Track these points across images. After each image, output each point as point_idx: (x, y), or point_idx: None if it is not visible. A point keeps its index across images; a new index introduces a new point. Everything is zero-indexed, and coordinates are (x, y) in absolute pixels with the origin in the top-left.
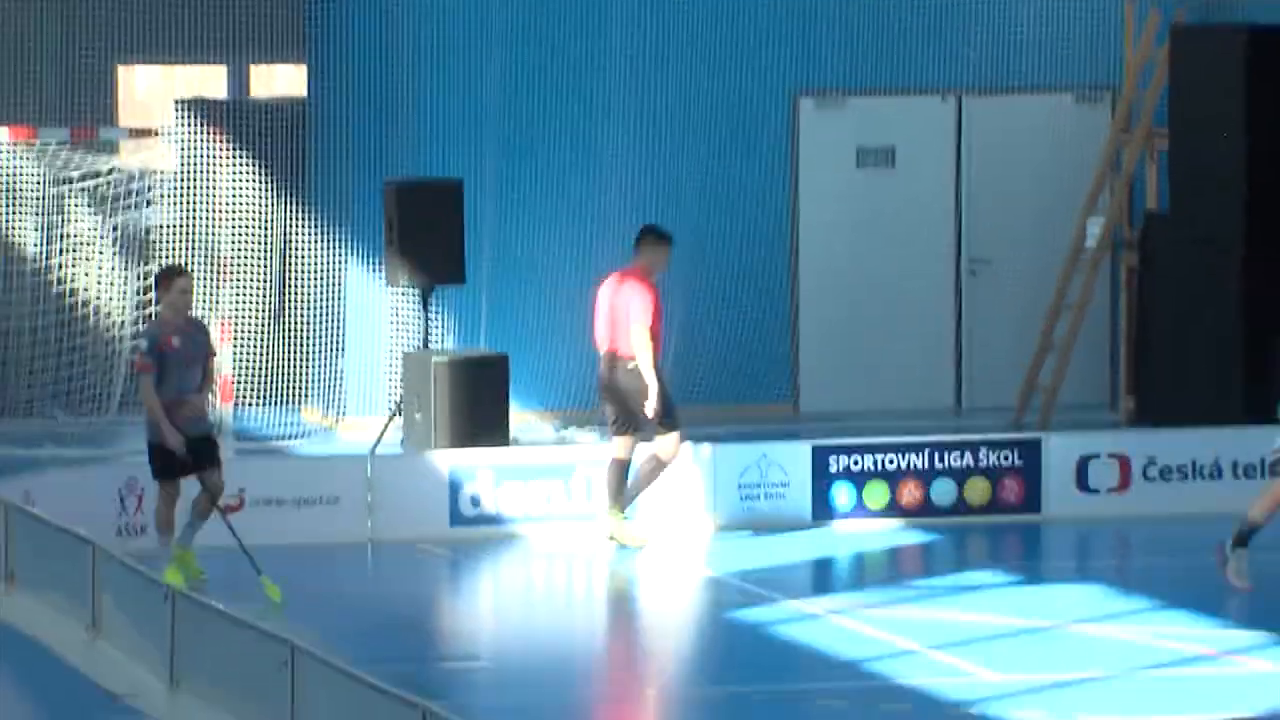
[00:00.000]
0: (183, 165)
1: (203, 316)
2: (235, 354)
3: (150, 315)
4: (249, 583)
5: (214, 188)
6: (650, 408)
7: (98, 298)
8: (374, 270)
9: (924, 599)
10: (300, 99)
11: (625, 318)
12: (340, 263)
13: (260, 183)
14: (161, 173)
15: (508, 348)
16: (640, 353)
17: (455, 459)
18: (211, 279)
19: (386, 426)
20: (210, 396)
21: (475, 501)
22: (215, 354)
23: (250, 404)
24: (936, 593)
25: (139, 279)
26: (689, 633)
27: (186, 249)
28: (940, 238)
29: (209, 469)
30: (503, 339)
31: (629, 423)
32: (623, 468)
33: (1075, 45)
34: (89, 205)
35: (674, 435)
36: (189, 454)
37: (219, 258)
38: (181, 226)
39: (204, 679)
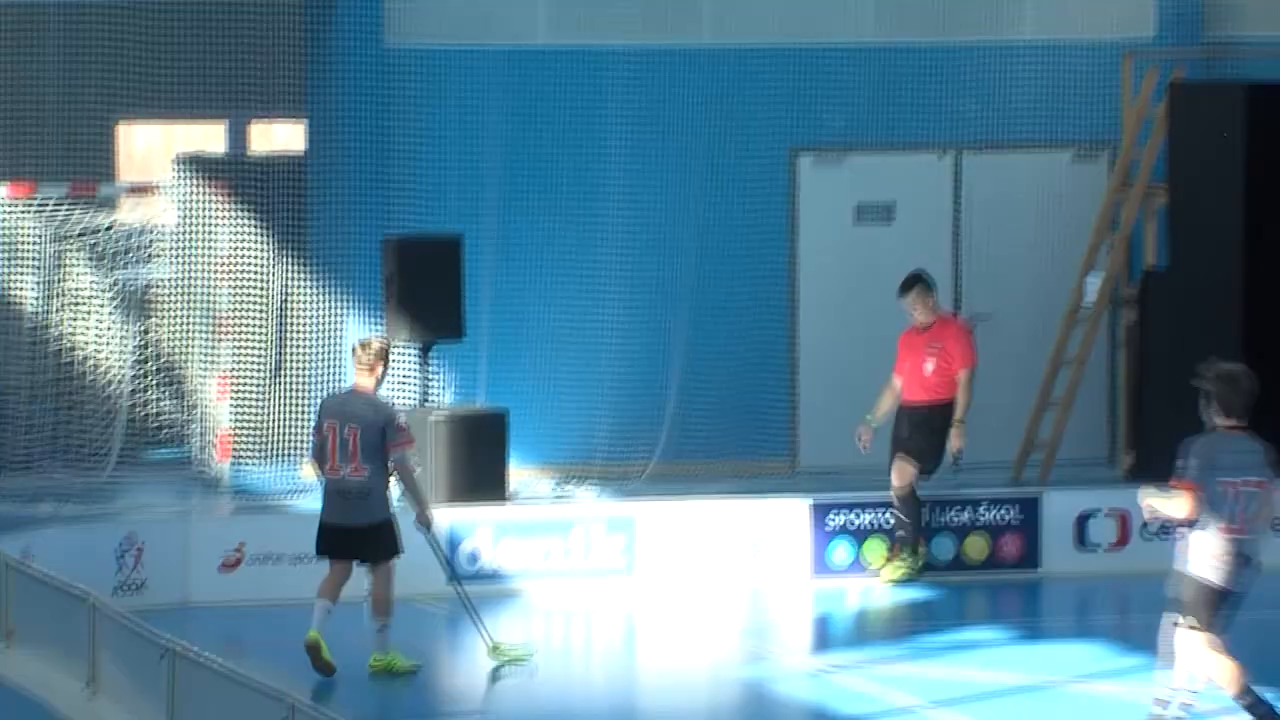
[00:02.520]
0: (182, 221)
1: (201, 372)
2: (234, 410)
3: (150, 371)
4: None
5: (213, 243)
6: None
7: (97, 353)
8: (373, 325)
9: (923, 655)
10: (299, 155)
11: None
12: (339, 318)
13: (259, 238)
14: (160, 228)
15: (507, 403)
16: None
17: (454, 515)
18: (210, 335)
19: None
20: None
21: (474, 558)
22: None
23: (248, 460)
24: (935, 649)
25: (138, 335)
26: (688, 689)
27: (185, 305)
28: (939, 294)
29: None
30: (502, 395)
31: None
32: None
33: (1073, 102)
34: (88, 261)
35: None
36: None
37: (217, 314)
38: (180, 282)
39: None
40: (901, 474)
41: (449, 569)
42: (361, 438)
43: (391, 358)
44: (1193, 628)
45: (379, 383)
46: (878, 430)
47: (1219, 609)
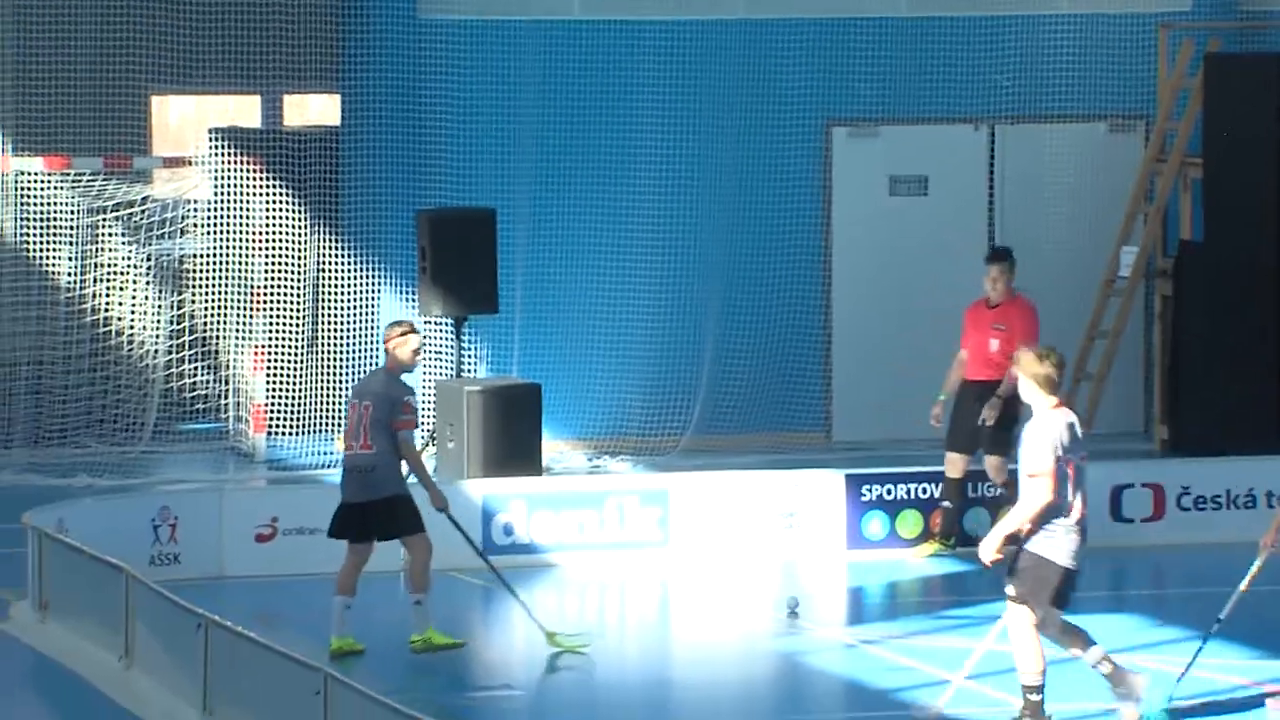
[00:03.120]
0: (216, 194)
1: (236, 345)
2: (268, 383)
3: (185, 344)
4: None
5: (248, 217)
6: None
7: (131, 327)
8: (407, 299)
9: (957, 628)
10: (334, 128)
11: None
12: (373, 292)
13: (294, 212)
14: (195, 202)
15: (540, 377)
16: None
17: (488, 488)
18: (245, 308)
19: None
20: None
21: (508, 530)
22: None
23: (284, 433)
24: (969, 622)
25: (173, 308)
26: (722, 663)
27: (220, 278)
28: (973, 266)
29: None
30: (535, 368)
31: None
32: None
33: (1108, 74)
34: (123, 234)
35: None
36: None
37: (253, 287)
38: (215, 255)
39: (237, 707)
40: (955, 466)
41: (477, 549)
42: (372, 414)
43: (418, 338)
44: (1023, 602)
45: (405, 364)
46: (947, 401)
47: (1063, 589)
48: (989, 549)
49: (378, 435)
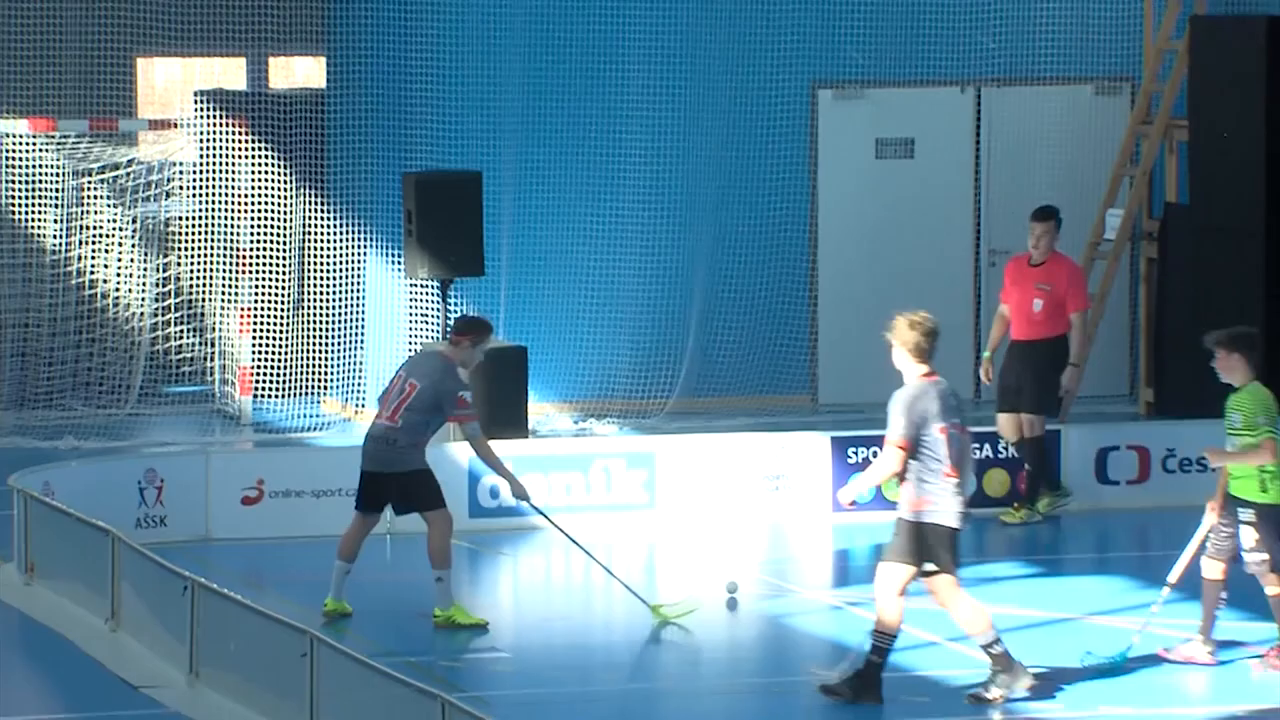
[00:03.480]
0: (202, 157)
1: (222, 307)
2: (255, 345)
3: (171, 306)
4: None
5: (233, 179)
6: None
7: (117, 289)
8: (393, 262)
9: None
10: (319, 90)
11: None
12: (359, 254)
13: (279, 174)
14: (181, 164)
15: (526, 340)
16: None
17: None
18: (230, 271)
19: None
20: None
21: (494, 493)
22: None
23: (270, 395)
24: None
25: (158, 270)
26: (708, 624)
27: (206, 240)
28: (959, 229)
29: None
30: (521, 331)
31: None
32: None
33: (1094, 36)
34: (109, 197)
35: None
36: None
37: (238, 249)
38: (201, 218)
39: (224, 670)
40: (1009, 428)
41: (565, 533)
42: (417, 395)
43: (481, 339)
44: (939, 571)
45: (465, 361)
46: (995, 358)
47: (956, 550)
48: (847, 495)
49: (410, 415)
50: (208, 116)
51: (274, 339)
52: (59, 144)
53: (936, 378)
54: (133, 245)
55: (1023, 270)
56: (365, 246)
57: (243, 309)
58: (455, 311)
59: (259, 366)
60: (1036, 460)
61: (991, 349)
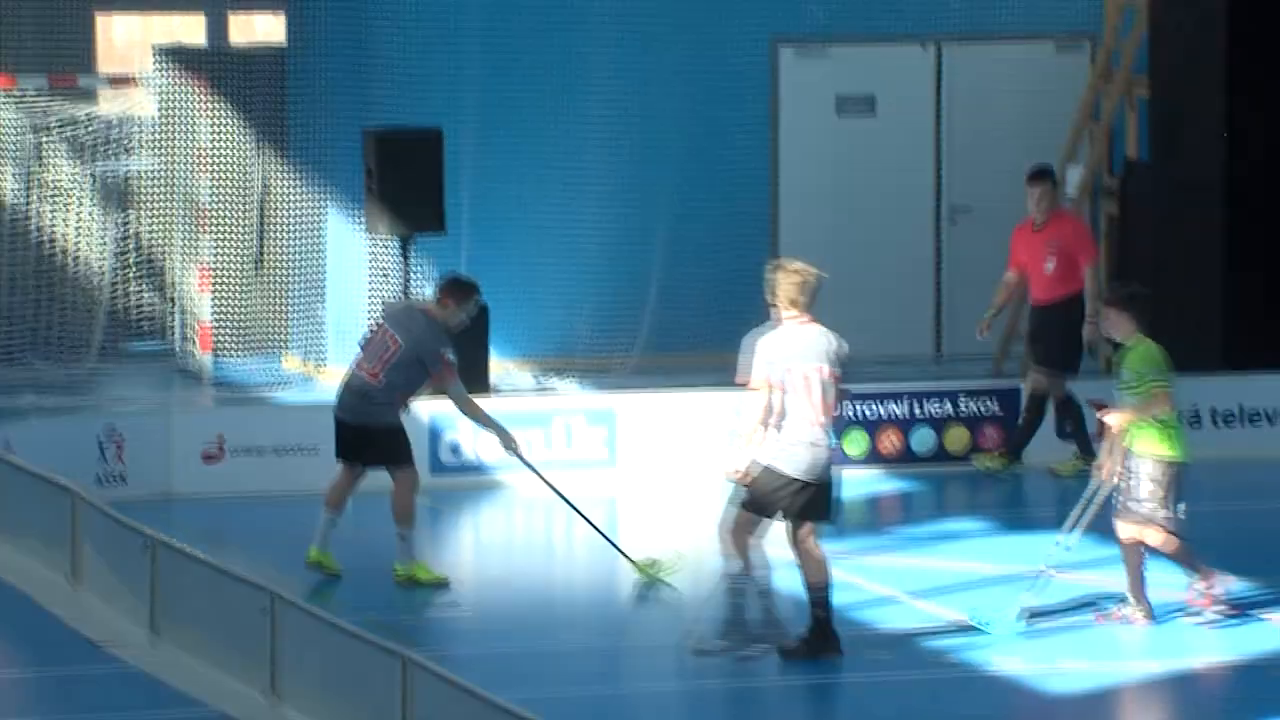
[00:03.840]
0: (162, 113)
1: (182, 264)
2: (215, 302)
3: (131, 263)
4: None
5: (193, 135)
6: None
7: (77, 246)
8: (354, 219)
9: (904, 547)
10: (279, 47)
11: None
12: (320, 211)
13: (239, 131)
14: (140, 120)
15: (487, 296)
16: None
17: (435, 407)
18: (191, 227)
19: None
20: None
21: (455, 450)
22: None
23: (230, 352)
24: (916, 540)
25: (118, 227)
26: (668, 581)
27: (166, 197)
28: (920, 186)
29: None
30: (482, 288)
31: None
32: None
33: None
34: (68, 153)
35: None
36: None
37: (198, 206)
38: (161, 174)
39: (185, 627)
40: (1034, 384)
41: (552, 487)
42: (400, 352)
43: (466, 301)
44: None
45: (449, 321)
46: (996, 320)
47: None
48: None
49: (392, 373)
50: (167, 73)
51: (234, 296)
52: (18, 100)
53: (811, 324)
54: (92, 202)
55: (1028, 235)
56: (326, 203)
57: (203, 266)
58: (416, 269)
59: (219, 323)
60: (1074, 420)
61: (993, 311)
